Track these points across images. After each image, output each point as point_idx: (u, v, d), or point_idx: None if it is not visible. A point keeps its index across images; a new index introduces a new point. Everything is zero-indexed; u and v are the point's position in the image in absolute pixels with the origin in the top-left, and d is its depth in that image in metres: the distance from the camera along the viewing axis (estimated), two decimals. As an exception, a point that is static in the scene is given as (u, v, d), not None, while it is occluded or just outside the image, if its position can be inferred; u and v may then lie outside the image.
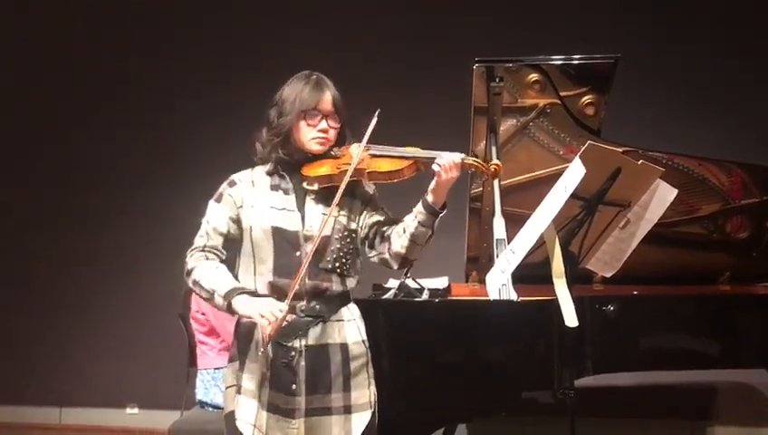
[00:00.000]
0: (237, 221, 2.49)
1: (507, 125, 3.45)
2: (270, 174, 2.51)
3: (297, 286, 2.38)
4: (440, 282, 3.70)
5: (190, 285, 2.48)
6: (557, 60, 3.37)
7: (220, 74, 5.00)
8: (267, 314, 2.30)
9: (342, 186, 2.39)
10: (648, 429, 4.31)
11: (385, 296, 3.39)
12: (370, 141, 2.46)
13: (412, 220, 2.44)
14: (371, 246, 2.54)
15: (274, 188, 2.50)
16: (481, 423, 4.10)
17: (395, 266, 2.53)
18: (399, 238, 2.46)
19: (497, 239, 3.13)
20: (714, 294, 3.61)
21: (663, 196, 2.60)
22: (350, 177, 2.41)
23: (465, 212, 3.51)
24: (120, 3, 5.21)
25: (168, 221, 4.99)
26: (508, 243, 2.81)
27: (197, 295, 2.50)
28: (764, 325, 3.32)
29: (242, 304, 2.37)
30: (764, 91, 4.63)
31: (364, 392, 2.48)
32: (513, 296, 2.96)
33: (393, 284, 3.50)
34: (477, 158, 2.51)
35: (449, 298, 3.56)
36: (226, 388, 2.54)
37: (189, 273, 2.46)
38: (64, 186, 5.25)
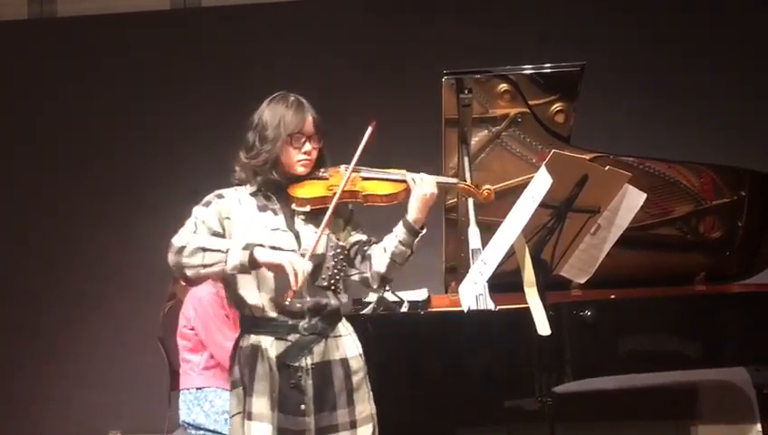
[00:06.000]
0: (224, 230, 2.44)
1: (479, 135, 3.48)
2: (254, 195, 2.49)
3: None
4: (420, 294, 3.69)
5: (186, 259, 2.34)
6: (525, 69, 3.40)
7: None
8: (297, 264, 2.29)
9: (332, 206, 2.40)
10: (633, 430, 4.32)
11: (365, 311, 3.40)
12: (358, 163, 2.46)
13: (393, 240, 2.46)
14: (351, 265, 2.55)
15: (262, 208, 2.47)
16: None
17: (374, 286, 2.56)
18: (380, 258, 2.49)
19: (473, 249, 3.15)
20: (691, 295, 3.64)
21: (632, 200, 2.63)
22: (346, 199, 2.43)
23: (441, 223, 3.52)
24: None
25: (142, 247, 5.00)
26: (484, 252, 2.82)
27: (192, 269, 2.35)
28: (741, 323, 3.35)
29: (266, 253, 2.33)
30: (732, 94, 4.70)
31: (366, 406, 2.48)
32: (491, 306, 2.98)
33: (373, 298, 3.50)
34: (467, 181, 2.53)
35: (431, 310, 3.56)
36: (232, 416, 2.46)
37: (182, 249, 2.34)
38: (41, 221, 5.29)
